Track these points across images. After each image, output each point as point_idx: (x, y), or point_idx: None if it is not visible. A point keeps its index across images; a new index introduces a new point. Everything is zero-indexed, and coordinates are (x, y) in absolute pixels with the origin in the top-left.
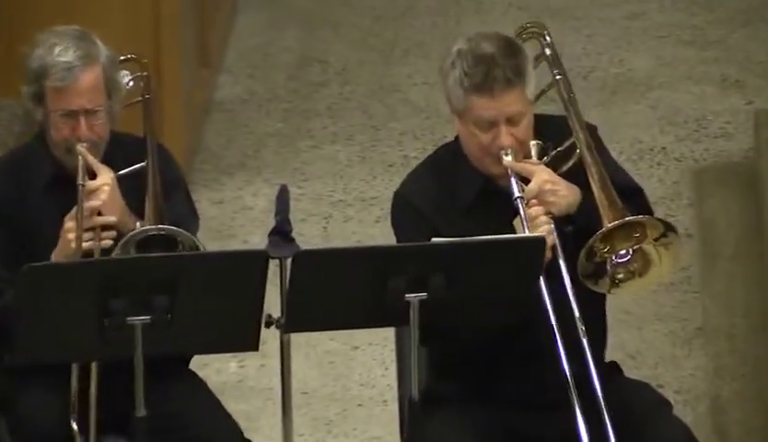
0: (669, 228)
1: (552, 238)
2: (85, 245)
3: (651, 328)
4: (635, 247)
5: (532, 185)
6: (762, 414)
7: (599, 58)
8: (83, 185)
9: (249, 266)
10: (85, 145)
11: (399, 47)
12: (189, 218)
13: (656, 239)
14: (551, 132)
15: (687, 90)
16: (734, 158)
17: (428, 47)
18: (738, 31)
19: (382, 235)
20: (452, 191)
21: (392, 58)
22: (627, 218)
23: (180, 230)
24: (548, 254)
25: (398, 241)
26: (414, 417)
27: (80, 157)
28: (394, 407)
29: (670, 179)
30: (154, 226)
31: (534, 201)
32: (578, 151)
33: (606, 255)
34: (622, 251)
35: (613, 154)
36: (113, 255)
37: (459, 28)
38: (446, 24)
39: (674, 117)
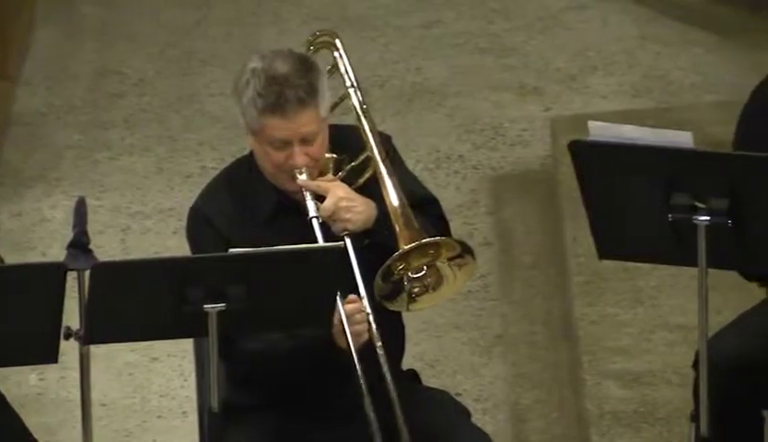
0: (465, 250)
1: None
2: None
3: (450, 336)
4: (430, 263)
5: (327, 203)
6: (562, 422)
7: (396, 67)
8: None
9: (47, 278)
10: None
11: (195, 57)
12: None
13: (450, 259)
14: (347, 142)
15: (484, 98)
16: (532, 166)
17: (225, 57)
18: (536, 38)
19: (180, 246)
20: (248, 205)
21: (189, 68)
22: (423, 241)
23: None
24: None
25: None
26: (214, 428)
27: None
28: (194, 418)
29: (468, 187)
30: None
31: (330, 219)
32: (372, 165)
33: (402, 273)
34: (419, 267)
35: (411, 162)
36: None
37: (256, 37)
38: (242, 34)
39: (471, 125)
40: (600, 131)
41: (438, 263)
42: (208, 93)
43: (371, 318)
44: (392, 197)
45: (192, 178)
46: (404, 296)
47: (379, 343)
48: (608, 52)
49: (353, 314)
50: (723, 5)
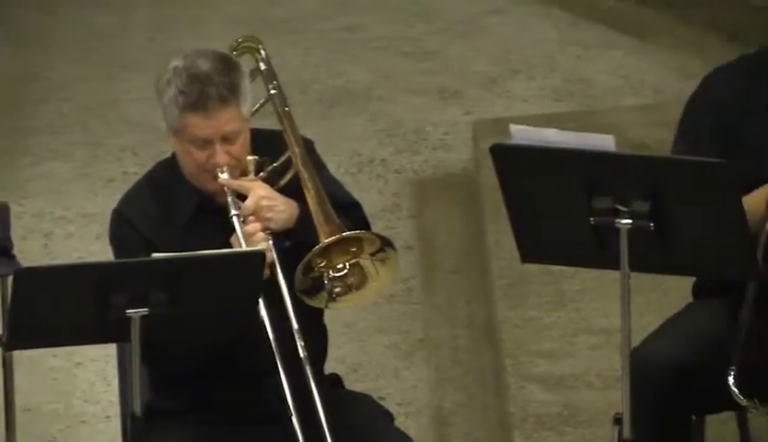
0: (386, 243)
1: (271, 256)
2: None
3: (373, 340)
4: (352, 261)
5: (249, 202)
6: (485, 425)
7: (318, 71)
8: None
9: None
10: None
11: (117, 63)
12: None
13: (372, 254)
14: (268, 147)
15: (405, 102)
16: (453, 170)
17: (146, 63)
18: (456, 42)
19: (103, 251)
20: (170, 207)
21: (111, 74)
22: (343, 234)
23: None
24: (266, 272)
25: (115, 259)
26: (137, 433)
27: None
28: (117, 423)
29: (390, 191)
30: None
31: (252, 218)
32: (294, 166)
33: (323, 270)
34: (340, 266)
35: (333, 167)
36: None
37: (177, 43)
38: (164, 40)
39: (393, 129)
40: (522, 134)
41: (361, 261)
42: (129, 98)
43: (294, 320)
44: (312, 195)
45: (114, 183)
46: (324, 294)
47: (302, 344)
48: (528, 56)
49: (253, 233)
50: (643, 7)
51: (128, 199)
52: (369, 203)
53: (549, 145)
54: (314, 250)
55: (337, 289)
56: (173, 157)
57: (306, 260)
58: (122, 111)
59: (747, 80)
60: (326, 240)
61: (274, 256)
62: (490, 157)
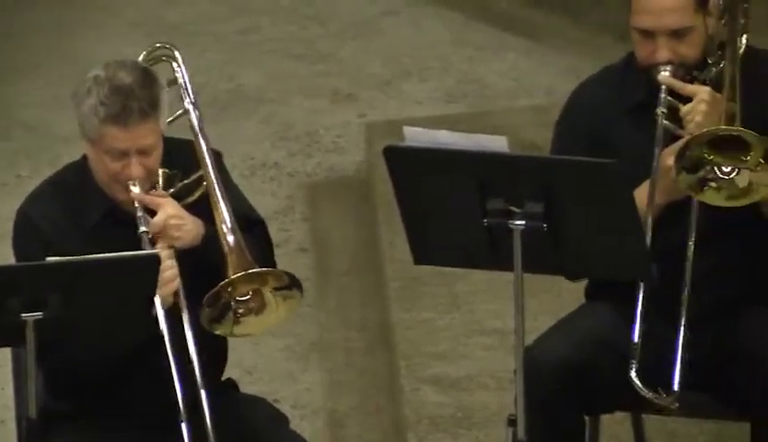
0: (293, 283)
1: (177, 284)
2: None
3: (267, 343)
4: (256, 289)
5: (158, 219)
6: (379, 428)
7: (210, 74)
8: None
9: None
10: None
11: (12, 66)
12: None
13: (276, 289)
14: (180, 156)
15: (298, 104)
16: (347, 172)
17: (43, 66)
18: (350, 44)
19: None
20: (77, 211)
21: (6, 77)
22: (253, 270)
23: None
24: (171, 300)
25: (16, 261)
26: (33, 437)
27: None
28: (12, 427)
29: (284, 193)
30: None
31: (159, 235)
32: (205, 184)
33: (228, 297)
34: (245, 292)
35: None
36: None
37: (75, 46)
38: (62, 42)
39: (286, 132)
40: (416, 136)
41: (264, 291)
42: (24, 102)
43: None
44: (226, 222)
45: (7, 187)
46: (230, 315)
47: (195, 350)
48: (422, 58)
49: (163, 271)
50: (535, 8)
51: (32, 200)
52: (263, 205)
53: (442, 146)
54: (222, 283)
55: (240, 311)
56: (84, 159)
57: (212, 292)
58: (16, 115)
59: (613, 88)
60: (233, 276)
61: (180, 286)
62: (383, 159)
